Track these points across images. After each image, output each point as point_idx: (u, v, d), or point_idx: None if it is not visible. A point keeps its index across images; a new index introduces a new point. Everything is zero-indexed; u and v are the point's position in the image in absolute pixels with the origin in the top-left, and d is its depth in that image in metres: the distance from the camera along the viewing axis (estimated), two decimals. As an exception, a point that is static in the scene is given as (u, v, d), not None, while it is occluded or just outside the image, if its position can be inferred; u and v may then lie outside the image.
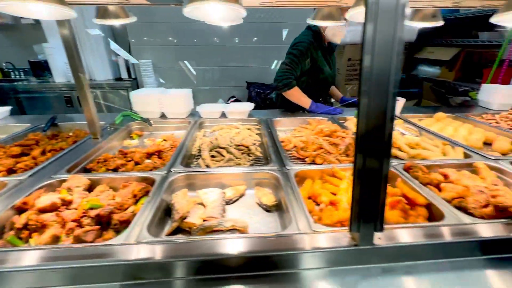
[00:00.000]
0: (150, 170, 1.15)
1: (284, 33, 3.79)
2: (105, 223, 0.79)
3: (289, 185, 0.98)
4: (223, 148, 1.26)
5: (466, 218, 0.79)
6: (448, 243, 0.70)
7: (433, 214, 0.86)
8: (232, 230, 0.77)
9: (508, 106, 1.98)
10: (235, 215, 0.96)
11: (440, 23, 1.20)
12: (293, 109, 2.04)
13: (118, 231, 0.78)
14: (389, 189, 0.97)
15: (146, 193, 0.94)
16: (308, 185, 1.04)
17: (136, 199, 0.92)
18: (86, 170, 1.20)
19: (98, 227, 0.76)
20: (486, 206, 0.85)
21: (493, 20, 0.84)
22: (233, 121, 1.80)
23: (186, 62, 3.94)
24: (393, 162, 1.16)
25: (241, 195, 1.05)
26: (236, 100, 3.59)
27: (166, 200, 0.95)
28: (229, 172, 1.11)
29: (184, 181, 1.06)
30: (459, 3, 0.95)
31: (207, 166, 1.20)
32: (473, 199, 0.87)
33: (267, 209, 0.97)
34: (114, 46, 3.72)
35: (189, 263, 0.64)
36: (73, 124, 1.75)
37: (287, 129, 1.77)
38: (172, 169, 1.09)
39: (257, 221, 0.93)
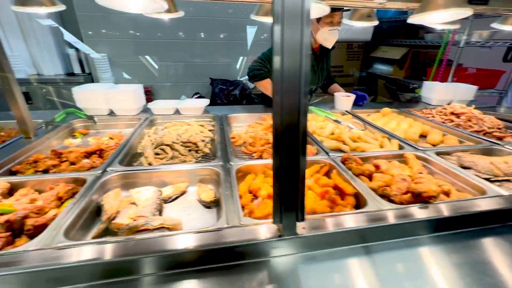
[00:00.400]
0: (88, 170, 1.08)
1: (250, 30, 3.78)
2: (19, 229, 0.73)
3: (229, 180, 0.99)
4: (168, 145, 1.23)
5: (387, 205, 0.85)
6: (364, 228, 0.75)
7: (360, 202, 0.91)
8: (161, 228, 0.75)
9: (446, 102, 2.17)
10: (172, 213, 0.94)
11: (375, 23, 1.28)
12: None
13: (33, 237, 0.72)
14: (324, 180, 1.02)
15: (74, 195, 0.89)
16: (250, 180, 1.04)
17: (62, 202, 0.86)
18: (12, 173, 1.09)
19: (8, 234, 0.69)
20: (406, 193, 0.93)
21: (409, 20, 0.91)
22: (188, 117, 1.76)
23: (147, 57, 3.77)
24: (336, 155, 1.21)
25: (182, 193, 1.03)
26: (200, 97, 3.52)
27: (97, 201, 0.90)
28: (171, 170, 1.08)
29: (120, 181, 1.01)
30: (385, 5, 1.01)
31: (150, 164, 1.16)
32: (396, 187, 0.95)
33: (207, 205, 0.96)
34: (70, 37, 3.43)
35: (94, 267, 0.61)
36: (6, 123, 1.59)
37: (242, 125, 1.77)
38: (108, 169, 1.04)
39: (195, 218, 0.92)
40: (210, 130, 1.60)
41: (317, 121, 1.71)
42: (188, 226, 0.86)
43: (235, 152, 1.32)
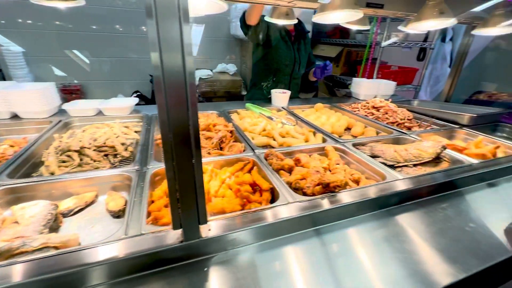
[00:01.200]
0: (-34, 187, 0.90)
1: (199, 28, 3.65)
2: None
3: (141, 185, 0.92)
4: (77, 151, 1.09)
5: (297, 197, 0.88)
6: (270, 224, 0.76)
7: (275, 197, 0.93)
8: (44, 249, 0.66)
9: (371, 97, 2.38)
10: (73, 227, 0.83)
11: (294, 21, 1.32)
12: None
13: None
14: (244, 177, 1.01)
15: None
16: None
17: None
18: None
19: None
20: (318, 184, 0.97)
21: (313, 19, 0.96)
22: (112, 118, 1.60)
23: (76, 51, 3.37)
24: (261, 151, 1.22)
25: (89, 203, 0.92)
26: (140, 95, 3.28)
27: (-32, 223, 0.75)
28: (76, 179, 0.96)
29: (5, 197, 0.86)
30: (295, 3, 1.05)
31: (53, 173, 1.02)
32: (310, 179, 0.99)
33: (115, 215, 0.88)
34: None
35: None
36: None
37: (175, 124, 1.68)
38: (-10, 183, 0.88)
39: (98, 230, 0.83)
40: (136, 132, 1.48)
41: (252, 118, 1.72)
42: (88, 240, 0.77)
43: (159, 154, 1.24)
